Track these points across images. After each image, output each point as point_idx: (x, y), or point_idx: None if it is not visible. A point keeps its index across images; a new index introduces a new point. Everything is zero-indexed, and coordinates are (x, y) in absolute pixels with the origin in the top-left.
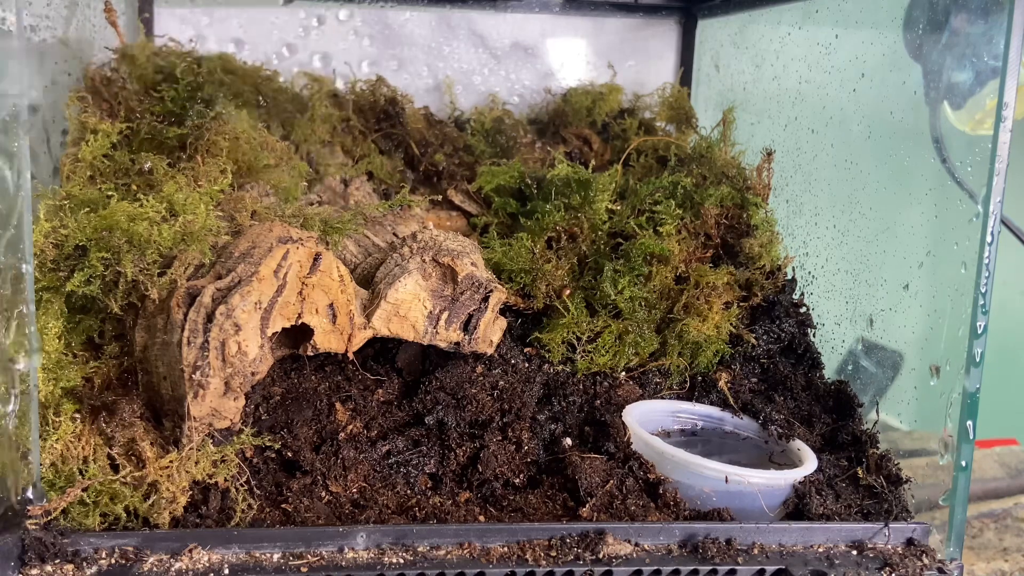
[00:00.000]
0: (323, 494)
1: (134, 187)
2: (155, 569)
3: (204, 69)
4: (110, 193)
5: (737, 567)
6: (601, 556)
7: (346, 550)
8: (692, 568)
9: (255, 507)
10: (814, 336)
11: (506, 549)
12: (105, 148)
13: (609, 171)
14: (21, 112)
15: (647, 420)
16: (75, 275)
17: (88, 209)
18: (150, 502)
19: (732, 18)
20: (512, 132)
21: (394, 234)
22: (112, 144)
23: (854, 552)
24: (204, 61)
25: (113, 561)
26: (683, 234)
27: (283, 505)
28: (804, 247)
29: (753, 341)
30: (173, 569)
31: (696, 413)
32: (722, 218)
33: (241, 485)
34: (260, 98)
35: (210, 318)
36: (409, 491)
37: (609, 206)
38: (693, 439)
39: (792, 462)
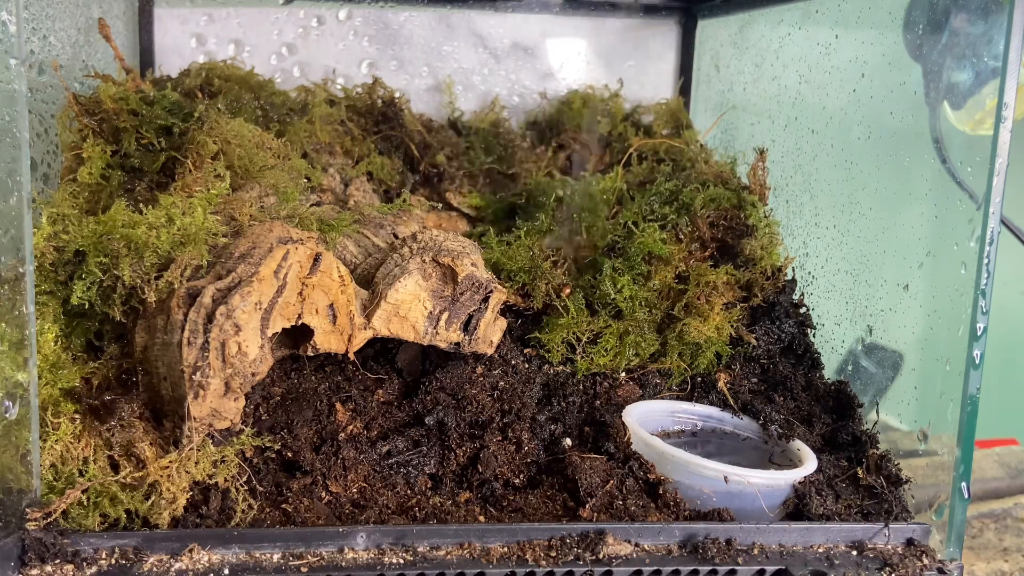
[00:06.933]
0: (323, 494)
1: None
2: (155, 569)
3: (187, 84)
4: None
5: (737, 567)
6: (601, 556)
7: (346, 550)
8: (692, 568)
9: (255, 507)
10: (814, 336)
11: (506, 549)
12: (100, 170)
13: (609, 175)
14: (22, 111)
15: (647, 420)
16: (75, 283)
17: (87, 213)
18: (150, 502)
19: (732, 18)
20: (509, 137)
21: (394, 235)
22: (106, 164)
23: (854, 552)
24: (190, 74)
25: (113, 561)
26: (682, 240)
27: (283, 505)
28: (804, 247)
29: (753, 342)
30: (173, 569)
31: (696, 413)
32: (720, 220)
33: (241, 485)
34: (259, 104)
35: (210, 318)
36: (409, 491)
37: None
38: (693, 439)
39: (792, 462)
